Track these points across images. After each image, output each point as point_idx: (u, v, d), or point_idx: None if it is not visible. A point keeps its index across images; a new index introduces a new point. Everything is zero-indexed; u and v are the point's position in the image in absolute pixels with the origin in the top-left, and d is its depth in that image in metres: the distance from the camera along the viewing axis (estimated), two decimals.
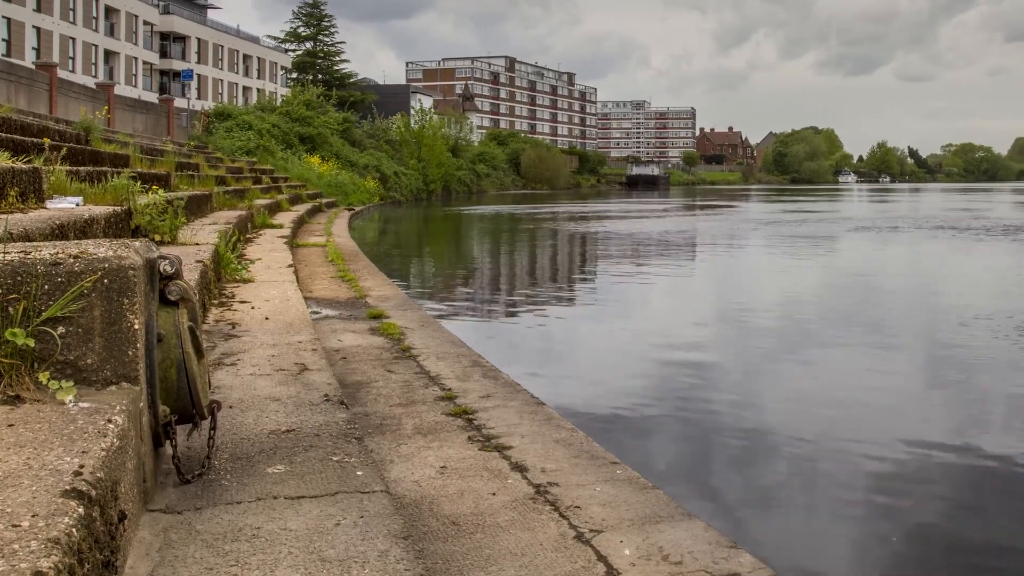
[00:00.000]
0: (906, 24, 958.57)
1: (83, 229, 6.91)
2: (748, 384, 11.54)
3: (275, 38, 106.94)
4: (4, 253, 3.60)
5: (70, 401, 3.43)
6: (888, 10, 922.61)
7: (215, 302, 9.37)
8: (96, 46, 72.82)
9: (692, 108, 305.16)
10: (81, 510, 2.65)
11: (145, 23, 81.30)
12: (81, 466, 2.88)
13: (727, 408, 10.17)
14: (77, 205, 8.24)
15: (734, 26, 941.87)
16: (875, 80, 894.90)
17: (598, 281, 23.01)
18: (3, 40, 60.81)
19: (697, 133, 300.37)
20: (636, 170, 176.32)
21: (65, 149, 11.78)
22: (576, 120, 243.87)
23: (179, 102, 66.02)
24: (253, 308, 9.15)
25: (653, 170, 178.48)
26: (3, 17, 61.02)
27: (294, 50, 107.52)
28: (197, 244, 10.59)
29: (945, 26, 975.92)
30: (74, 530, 2.53)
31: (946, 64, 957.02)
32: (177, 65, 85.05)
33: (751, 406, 10.39)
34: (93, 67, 71.40)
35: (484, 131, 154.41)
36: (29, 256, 3.59)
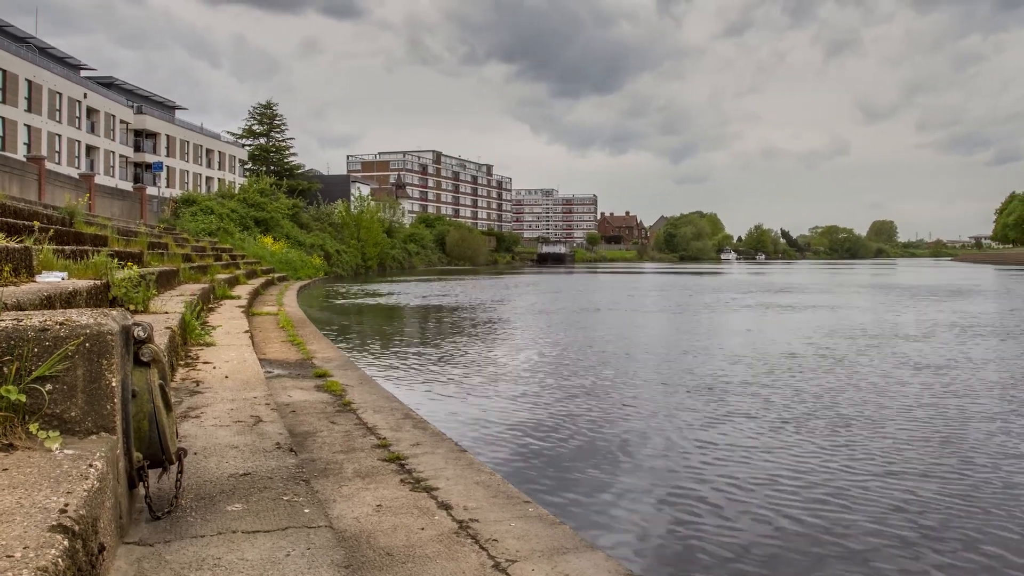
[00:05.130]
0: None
1: (68, 300, 6.87)
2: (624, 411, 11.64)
3: (233, 134, 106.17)
4: (0, 320, 3.60)
5: (56, 448, 3.42)
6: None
7: (182, 363, 9.30)
8: (79, 141, 71.90)
9: (594, 195, 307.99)
10: (66, 543, 2.65)
11: (121, 122, 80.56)
12: (66, 505, 2.88)
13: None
14: (63, 279, 8.16)
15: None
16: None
17: (507, 344, 23.04)
18: None
19: (599, 216, 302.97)
20: (545, 249, 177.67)
21: (52, 231, 11.66)
22: (494, 205, 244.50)
23: (151, 190, 65.37)
24: (215, 368, 9.10)
25: (560, 249, 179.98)
26: None
27: (249, 145, 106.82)
28: (166, 312, 10.51)
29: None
30: (60, 560, 2.54)
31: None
32: (149, 158, 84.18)
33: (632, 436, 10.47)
34: (76, 160, 70.42)
35: (414, 215, 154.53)
36: (21, 323, 3.59)
